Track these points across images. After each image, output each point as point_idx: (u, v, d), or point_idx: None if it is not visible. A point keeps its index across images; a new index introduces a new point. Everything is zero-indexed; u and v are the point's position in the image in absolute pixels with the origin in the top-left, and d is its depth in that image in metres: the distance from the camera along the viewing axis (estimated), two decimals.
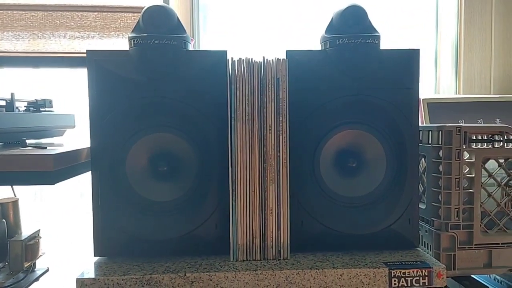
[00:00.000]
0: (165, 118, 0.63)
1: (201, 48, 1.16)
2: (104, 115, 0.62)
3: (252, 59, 0.62)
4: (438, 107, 0.90)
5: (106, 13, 0.89)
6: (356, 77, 0.64)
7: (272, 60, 0.62)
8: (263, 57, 0.62)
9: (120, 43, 0.90)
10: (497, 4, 1.14)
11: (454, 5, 1.17)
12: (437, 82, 1.21)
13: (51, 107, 0.81)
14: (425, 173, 0.73)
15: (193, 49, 0.70)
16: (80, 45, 0.89)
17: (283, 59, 0.62)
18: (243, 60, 0.62)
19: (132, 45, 0.62)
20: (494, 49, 1.15)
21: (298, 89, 0.63)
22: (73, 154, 0.62)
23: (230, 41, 1.20)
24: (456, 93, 1.15)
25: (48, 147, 0.63)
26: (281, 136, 0.62)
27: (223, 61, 0.62)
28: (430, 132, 0.71)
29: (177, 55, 0.62)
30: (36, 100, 0.77)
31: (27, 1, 0.89)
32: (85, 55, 0.63)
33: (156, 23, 0.61)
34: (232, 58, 0.62)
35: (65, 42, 0.90)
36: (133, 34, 0.62)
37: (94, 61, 0.62)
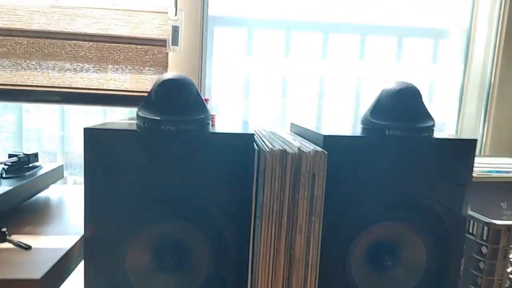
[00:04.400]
0: (175, 209, 0.53)
1: (212, 69, 1.03)
2: (102, 201, 0.51)
3: (285, 150, 0.51)
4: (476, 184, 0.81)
5: (102, 43, 0.76)
6: (403, 172, 0.55)
7: (310, 152, 0.52)
8: (299, 148, 0.52)
9: (120, 78, 0.77)
10: None
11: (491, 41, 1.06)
12: (460, 120, 1.12)
13: (37, 161, 0.69)
14: None
15: (214, 126, 0.59)
16: (72, 78, 0.76)
17: (322, 151, 0.52)
18: (274, 150, 0.51)
19: (142, 125, 0.50)
20: None
21: (334, 179, 0.54)
22: (64, 260, 0.52)
23: (240, 56, 1.08)
24: (483, 137, 1.07)
25: (32, 246, 0.53)
26: (312, 239, 0.53)
27: (249, 147, 0.52)
28: (474, 222, 0.63)
29: (194, 141, 0.51)
30: (19, 157, 0.65)
31: (10, 25, 0.75)
32: (78, 90, 0.51)
33: (170, 100, 0.50)
34: (260, 145, 0.51)
35: (54, 74, 0.77)
36: (143, 112, 0.50)
37: (94, 139, 0.51)
